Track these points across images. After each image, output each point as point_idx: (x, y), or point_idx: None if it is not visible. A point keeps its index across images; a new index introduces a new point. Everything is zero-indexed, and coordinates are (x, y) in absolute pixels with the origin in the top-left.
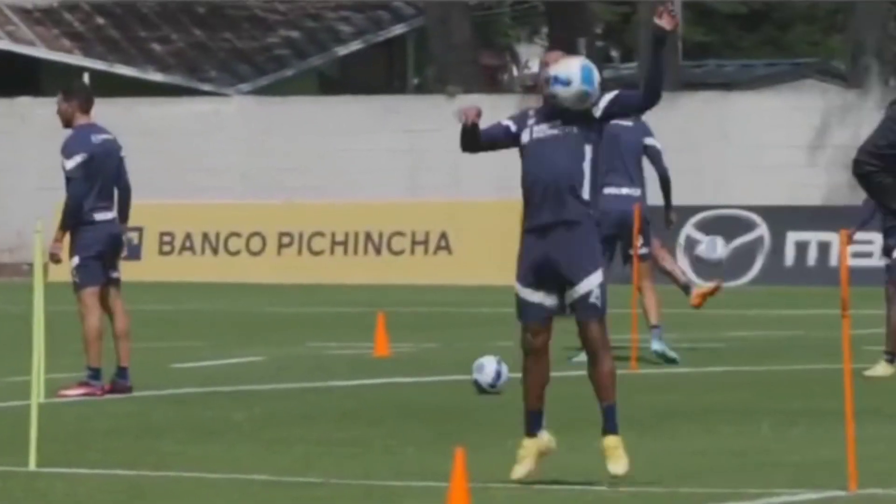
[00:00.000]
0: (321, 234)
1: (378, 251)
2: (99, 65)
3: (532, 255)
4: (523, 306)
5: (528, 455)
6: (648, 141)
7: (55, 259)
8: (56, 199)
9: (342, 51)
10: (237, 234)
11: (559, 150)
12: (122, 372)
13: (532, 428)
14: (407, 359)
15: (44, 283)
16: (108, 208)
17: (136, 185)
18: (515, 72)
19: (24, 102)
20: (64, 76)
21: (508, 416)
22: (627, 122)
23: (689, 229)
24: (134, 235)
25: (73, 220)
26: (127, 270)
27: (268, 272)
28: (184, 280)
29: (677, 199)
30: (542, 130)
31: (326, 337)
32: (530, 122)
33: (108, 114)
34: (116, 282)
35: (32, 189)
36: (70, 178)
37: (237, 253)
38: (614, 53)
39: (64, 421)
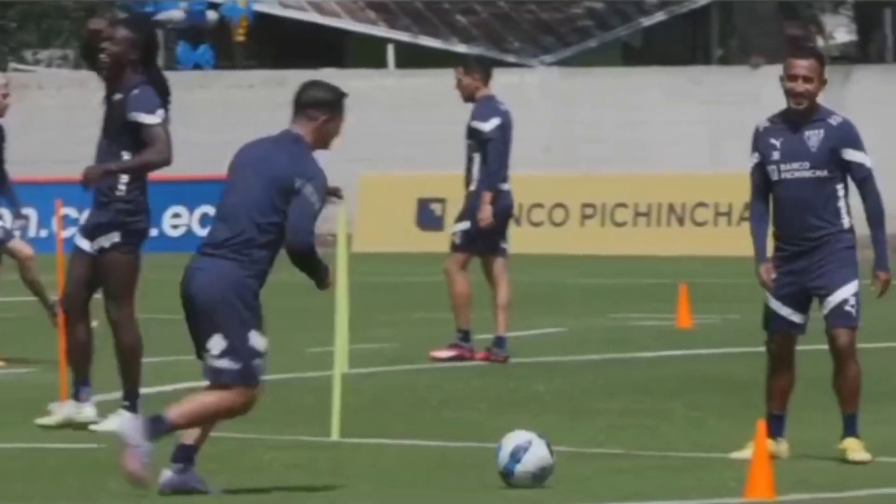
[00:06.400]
0: (624, 205)
1: (681, 222)
2: (404, 36)
3: None
4: None
5: None
6: None
7: (486, 223)
8: (360, 170)
9: (646, 21)
10: (540, 206)
11: None
12: (499, 341)
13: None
14: (709, 330)
15: (347, 254)
16: (506, 179)
17: (435, 155)
18: (820, 42)
19: (328, 74)
20: (368, 48)
21: (808, 389)
22: None
23: None
24: (437, 206)
25: (497, 181)
26: (427, 241)
27: (570, 243)
28: None
29: None
30: None
31: (629, 308)
32: None
33: (412, 85)
34: (504, 252)
35: (336, 160)
36: (490, 139)
37: (540, 224)
38: None
39: (366, 392)
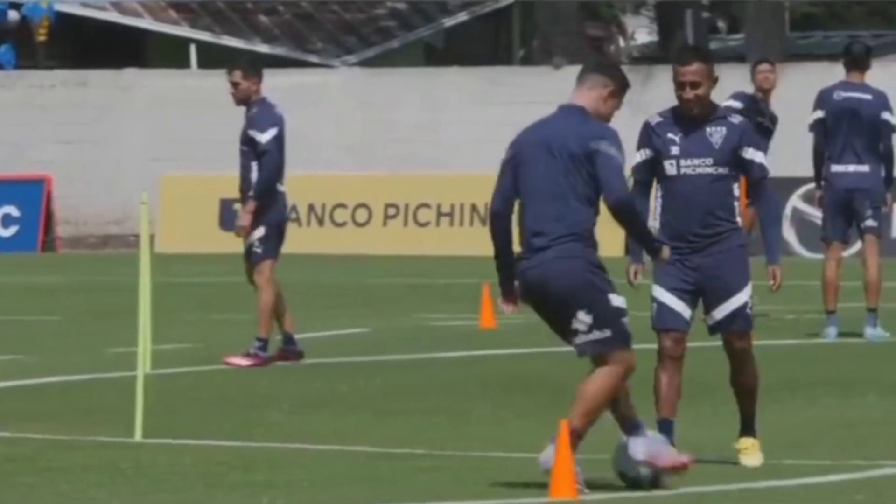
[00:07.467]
0: (427, 205)
1: (484, 223)
2: (205, 36)
3: None
4: None
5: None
6: (885, 116)
7: (244, 231)
8: (162, 171)
9: (448, 22)
10: (343, 206)
11: None
12: (289, 339)
13: None
14: (513, 330)
15: (150, 255)
16: (282, 181)
17: (237, 155)
18: (622, 43)
19: (129, 74)
20: (170, 48)
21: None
22: (866, 96)
23: (794, 201)
24: (240, 207)
25: (269, 191)
26: (234, 242)
27: (373, 244)
28: (290, 252)
29: (783, 171)
30: None
31: (432, 308)
32: None
33: (215, 85)
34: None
35: (138, 161)
36: (266, 151)
37: (343, 224)
38: (721, 24)
39: (169, 392)
